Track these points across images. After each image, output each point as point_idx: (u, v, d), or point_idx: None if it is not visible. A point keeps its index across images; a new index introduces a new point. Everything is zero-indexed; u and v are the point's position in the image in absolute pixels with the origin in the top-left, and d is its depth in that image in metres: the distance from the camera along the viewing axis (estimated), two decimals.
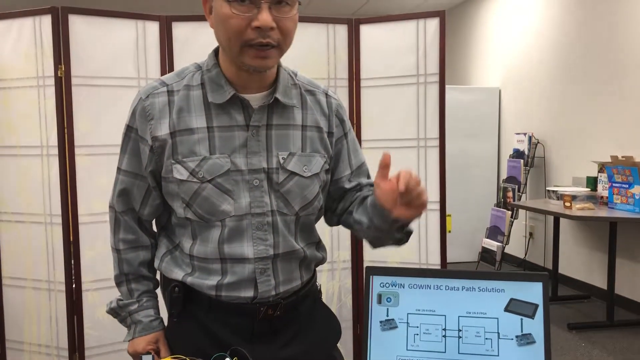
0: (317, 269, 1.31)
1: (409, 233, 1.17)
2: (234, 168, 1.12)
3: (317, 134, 1.20)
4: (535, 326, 1.02)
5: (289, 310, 1.20)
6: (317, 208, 1.22)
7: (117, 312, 1.25)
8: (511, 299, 1.03)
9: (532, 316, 1.02)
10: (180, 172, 1.11)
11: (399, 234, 1.15)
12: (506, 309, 1.03)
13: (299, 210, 1.17)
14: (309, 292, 1.26)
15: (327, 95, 1.24)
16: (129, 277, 1.24)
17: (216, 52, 1.17)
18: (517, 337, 1.02)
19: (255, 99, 1.14)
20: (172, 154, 1.12)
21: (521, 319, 1.03)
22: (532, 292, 1.03)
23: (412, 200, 1.03)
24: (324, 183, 1.22)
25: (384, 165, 1.05)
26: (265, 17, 1.02)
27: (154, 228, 1.29)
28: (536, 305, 1.03)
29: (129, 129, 1.16)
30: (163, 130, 1.12)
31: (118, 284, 1.25)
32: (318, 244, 1.27)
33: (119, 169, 1.20)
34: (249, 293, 1.15)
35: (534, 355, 1.01)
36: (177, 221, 1.18)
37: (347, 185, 1.26)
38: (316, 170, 1.18)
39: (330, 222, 1.34)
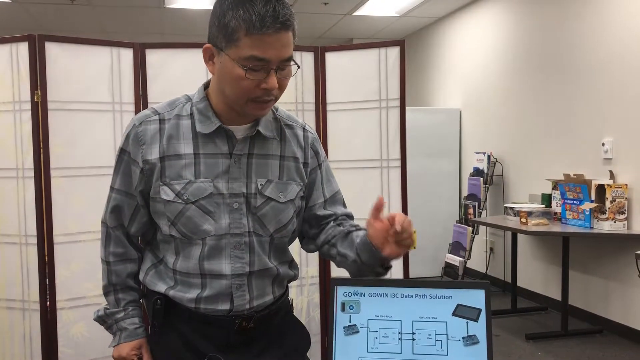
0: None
1: (389, 268, 1.30)
2: (216, 192, 1.24)
3: (294, 164, 1.33)
4: (479, 328, 1.17)
5: (262, 323, 1.31)
6: (291, 231, 1.34)
7: (104, 319, 1.35)
8: (458, 305, 1.18)
9: (476, 320, 1.17)
10: (167, 193, 1.23)
11: (380, 269, 1.28)
12: (454, 314, 1.18)
13: (274, 233, 1.30)
14: (281, 306, 1.38)
15: (304, 129, 1.38)
16: (116, 288, 1.34)
17: (205, 86, 1.30)
18: (463, 338, 1.16)
19: (238, 130, 1.27)
20: (161, 177, 1.24)
21: (467, 322, 1.17)
22: (476, 298, 1.18)
23: (403, 240, 1.18)
24: (299, 209, 1.35)
25: (377, 208, 1.20)
26: (273, 82, 1.16)
27: (140, 243, 1.40)
28: (480, 310, 1.17)
29: (122, 152, 1.28)
30: (153, 155, 1.24)
31: (106, 294, 1.35)
32: (291, 263, 1.39)
33: (112, 187, 1.31)
34: (225, 306, 1.26)
35: (478, 354, 1.15)
36: (162, 238, 1.29)
37: (321, 212, 1.39)
38: (291, 197, 1.31)
39: (308, 249, 1.45)
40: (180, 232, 1.25)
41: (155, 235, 1.32)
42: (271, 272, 1.31)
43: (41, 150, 2.47)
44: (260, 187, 1.27)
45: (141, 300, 1.38)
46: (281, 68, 1.18)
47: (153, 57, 2.64)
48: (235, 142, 1.26)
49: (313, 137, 1.40)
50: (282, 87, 1.20)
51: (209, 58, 1.21)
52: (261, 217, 1.27)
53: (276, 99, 1.22)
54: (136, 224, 1.32)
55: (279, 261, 1.34)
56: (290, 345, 1.38)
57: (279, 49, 1.14)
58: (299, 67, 1.22)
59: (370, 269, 1.28)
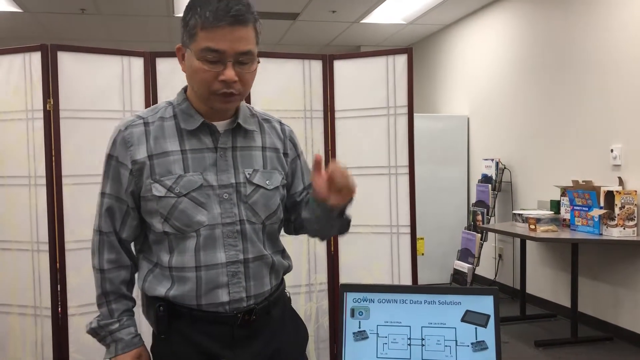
0: (295, 290, 1.46)
1: (348, 221, 1.39)
2: (206, 184, 1.29)
3: (275, 154, 1.40)
4: (488, 334, 1.17)
5: (263, 315, 1.35)
6: (280, 218, 1.41)
7: (97, 331, 1.35)
8: (467, 311, 1.19)
9: (485, 325, 1.18)
10: (158, 190, 1.28)
11: (339, 222, 1.36)
12: (463, 320, 1.18)
13: (265, 219, 1.35)
14: (279, 297, 1.42)
15: (280, 123, 1.47)
16: (109, 298, 1.34)
17: (185, 89, 1.37)
18: (472, 344, 1.17)
19: (220, 125, 1.34)
20: (151, 174, 1.28)
21: (475, 328, 1.18)
22: (485, 304, 1.19)
23: (342, 187, 1.25)
24: (283, 196, 1.41)
25: (317, 163, 1.27)
26: (229, 74, 1.23)
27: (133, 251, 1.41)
28: (488, 316, 1.18)
29: (110, 157, 1.32)
30: (141, 154, 1.29)
31: (99, 305, 1.35)
32: (283, 252, 1.44)
33: (102, 193, 1.34)
34: (224, 297, 1.30)
35: (487, 359, 1.16)
36: (155, 238, 1.32)
37: (299, 199, 1.47)
38: (276, 184, 1.37)
39: (289, 231, 1.53)
40: (174, 227, 1.28)
41: (147, 240, 1.35)
42: (266, 259, 1.35)
43: (53, 157, 2.50)
44: (248, 176, 1.33)
45: (133, 309, 1.38)
46: (241, 62, 1.24)
47: (163, 66, 2.67)
48: (218, 137, 1.32)
49: (289, 130, 1.48)
50: (244, 82, 1.27)
51: (181, 58, 1.30)
52: (252, 204, 1.33)
53: (240, 94, 1.28)
54: (127, 228, 1.34)
55: (272, 250, 1.38)
56: (291, 336, 1.43)
57: (232, 41, 1.21)
58: (259, 61, 1.29)
59: (329, 223, 1.36)
